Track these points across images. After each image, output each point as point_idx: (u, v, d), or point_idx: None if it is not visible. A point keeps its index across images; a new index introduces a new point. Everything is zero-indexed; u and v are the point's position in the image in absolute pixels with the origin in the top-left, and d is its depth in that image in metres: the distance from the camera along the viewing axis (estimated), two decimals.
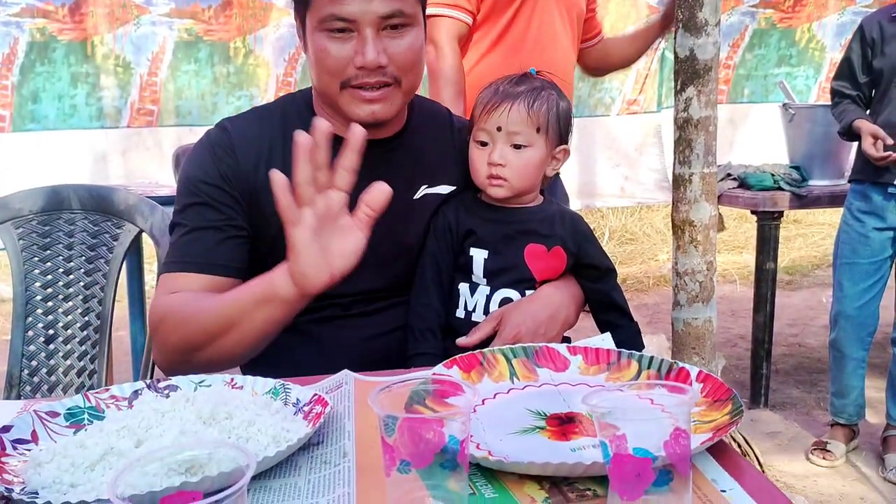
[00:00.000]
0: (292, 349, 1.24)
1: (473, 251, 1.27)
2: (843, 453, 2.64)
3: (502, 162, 1.24)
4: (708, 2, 2.24)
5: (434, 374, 0.93)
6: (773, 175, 3.07)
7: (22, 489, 0.72)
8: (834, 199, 3.08)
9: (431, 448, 0.67)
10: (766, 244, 3.05)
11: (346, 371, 1.00)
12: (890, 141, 2.44)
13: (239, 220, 1.23)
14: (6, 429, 0.81)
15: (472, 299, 1.28)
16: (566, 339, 1.36)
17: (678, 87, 2.35)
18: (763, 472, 2.41)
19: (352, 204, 1.26)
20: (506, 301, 1.26)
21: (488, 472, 0.75)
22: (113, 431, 0.78)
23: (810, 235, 6.02)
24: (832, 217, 6.33)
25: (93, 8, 3.92)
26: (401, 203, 1.29)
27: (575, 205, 4.71)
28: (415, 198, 1.31)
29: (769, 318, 3.08)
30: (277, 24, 4.14)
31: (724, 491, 0.70)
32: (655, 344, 3.78)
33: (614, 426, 0.64)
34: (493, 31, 2.35)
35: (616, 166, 4.78)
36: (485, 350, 1.01)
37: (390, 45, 1.16)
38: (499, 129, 1.24)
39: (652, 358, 0.95)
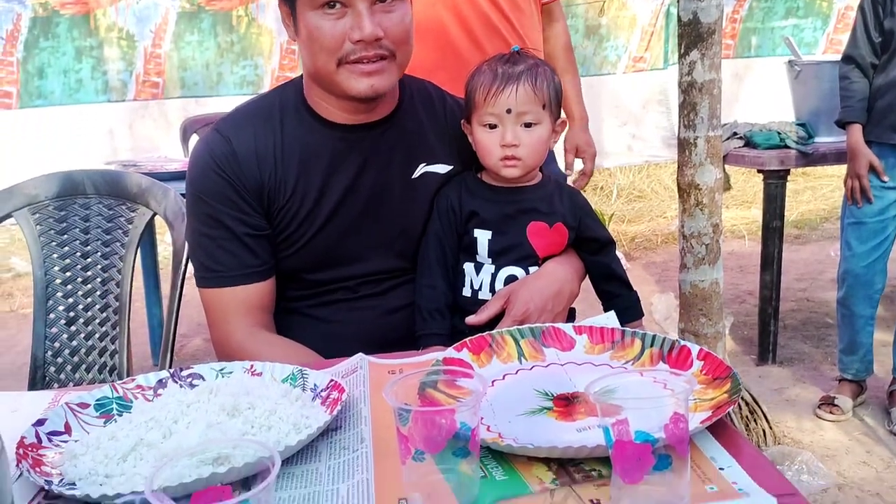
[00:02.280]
0: (304, 333, 1.29)
1: (477, 232, 1.30)
2: (850, 408, 2.68)
3: (517, 142, 1.26)
4: None
5: (445, 357, 0.97)
6: (779, 133, 3.07)
7: (60, 481, 0.77)
8: (840, 156, 3.07)
9: (444, 435, 0.71)
10: (773, 202, 3.06)
11: (360, 355, 1.04)
12: (886, 178, 2.57)
13: (257, 220, 1.27)
14: (41, 422, 0.86)
15: (478, 278, 1.31)
16: (572, 311, 1.39)
17: (682, 50, 2.36)
18: (771, 428, 2.46)
19: (351, 189, 1.29)
20: (511, 279, 1.30)
21: (499, 455, 0.79)
22: (141, 423, 0.82)
23: (819, 188, 5.99)
24: (841, 170, 6.27)
25: None
26: (400, 183, 1.32)
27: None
28: (413, 177, 1.33)
29: (776, 276, 3.10)
30: None
31: (721, 469, 0.74)
32: (664, 303, 3.82)
33: (617, 411, 0.68)
34: None
35: (623, 125, 4.76)
36: (493, 332, 1.04)
37: (384, 18, 1.18)
38: (508, 111, 1.25)
39: (654, 336, 0.98)
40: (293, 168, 1.27)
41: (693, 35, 2.31)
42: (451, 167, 1.36)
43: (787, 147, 3.00)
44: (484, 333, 1.04)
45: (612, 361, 0.98)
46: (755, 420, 2.42)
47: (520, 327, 1.05)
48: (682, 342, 0.94)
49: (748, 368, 3.11)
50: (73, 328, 1.68)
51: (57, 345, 1.67)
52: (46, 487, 0.74)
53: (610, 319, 1.07)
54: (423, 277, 1.32)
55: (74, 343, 1.68)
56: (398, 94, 1.34)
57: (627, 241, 5.09)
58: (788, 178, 3.10)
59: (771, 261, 3.10)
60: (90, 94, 3.99)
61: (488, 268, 1.31)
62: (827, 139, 3.09)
